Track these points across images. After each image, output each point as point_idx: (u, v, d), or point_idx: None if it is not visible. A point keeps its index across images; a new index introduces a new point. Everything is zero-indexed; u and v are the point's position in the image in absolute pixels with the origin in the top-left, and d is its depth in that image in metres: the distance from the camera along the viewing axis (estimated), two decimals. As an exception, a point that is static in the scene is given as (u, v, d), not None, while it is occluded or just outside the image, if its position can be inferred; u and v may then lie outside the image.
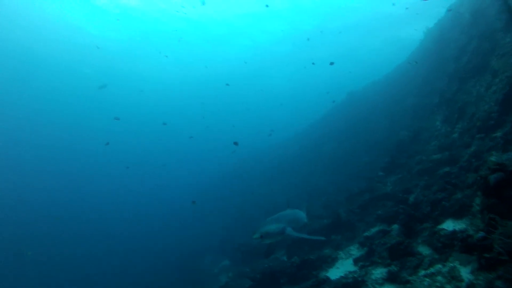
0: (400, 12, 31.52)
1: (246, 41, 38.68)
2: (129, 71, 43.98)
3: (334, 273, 8.41)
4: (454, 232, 6.67)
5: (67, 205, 51.00)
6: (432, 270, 6.24)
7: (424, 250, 7.07)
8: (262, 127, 54.66)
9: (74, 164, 61.26)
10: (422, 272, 6.38)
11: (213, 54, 41.03)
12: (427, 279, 6.03)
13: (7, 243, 34.81)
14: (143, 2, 29.19)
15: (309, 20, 34.60)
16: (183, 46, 37.88)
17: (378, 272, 7.26)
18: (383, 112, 20.07)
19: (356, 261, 8.32)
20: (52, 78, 42.53)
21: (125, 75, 44.93)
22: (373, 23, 36.07)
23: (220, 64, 43.26)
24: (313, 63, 28.51)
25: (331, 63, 20.81)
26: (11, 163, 56.11)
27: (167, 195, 49.08)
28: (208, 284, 16.14)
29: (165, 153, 66.08)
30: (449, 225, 7.26)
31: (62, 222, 42.90)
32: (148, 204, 48.64)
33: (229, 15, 32.47)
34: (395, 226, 8.38)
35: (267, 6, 26.75)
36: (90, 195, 54.84)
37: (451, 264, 6.04)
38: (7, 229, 39.87)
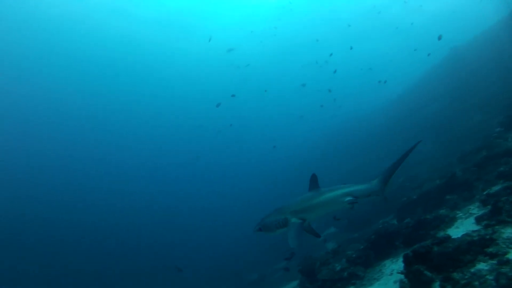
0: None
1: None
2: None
3: (454, 233, 7.74)
4: None
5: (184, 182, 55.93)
6: None
7: None
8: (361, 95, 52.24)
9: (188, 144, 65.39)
10: None
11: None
12: None
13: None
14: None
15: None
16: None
17: (510, 231, 6.49)
18: (494, 65, 17.67)
19: (478, 220, 7.52)
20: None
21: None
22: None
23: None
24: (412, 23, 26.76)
25: (439, 37, 19.07)
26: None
27: (263, 167, 50.55)
28: (317, 250, 16.33)
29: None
30: None
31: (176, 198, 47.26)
32: (248, 176, 50.81)
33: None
34: (525, 182, 7.41)
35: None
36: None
37: None
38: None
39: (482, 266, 5.41)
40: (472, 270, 5.40)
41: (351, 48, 32.79)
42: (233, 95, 32.67)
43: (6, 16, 32.38)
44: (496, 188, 8.41)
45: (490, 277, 4.89)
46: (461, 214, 8.51)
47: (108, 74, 48.15)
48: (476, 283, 4.92)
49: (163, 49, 44.45)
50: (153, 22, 38.03)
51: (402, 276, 6.80)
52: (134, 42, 41.51)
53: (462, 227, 7.93)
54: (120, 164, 61.60)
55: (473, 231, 7.08)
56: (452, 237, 7.29)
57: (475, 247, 6.03)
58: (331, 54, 31.66)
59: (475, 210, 8.28)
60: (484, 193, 8.30)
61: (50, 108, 49.91)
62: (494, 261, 5.37)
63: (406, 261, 6.46)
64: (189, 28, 39.66)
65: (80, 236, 41.15)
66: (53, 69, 43.34)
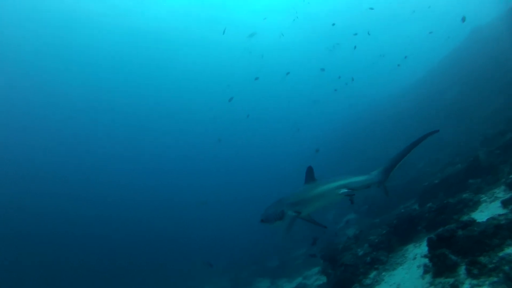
0: None
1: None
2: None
3: (479, 217, 7.48)
4: None
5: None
6: None
7: None
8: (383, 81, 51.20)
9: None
10: None
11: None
12: None
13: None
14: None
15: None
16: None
17: (540, 215, 6.20)
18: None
19: (505, 204, 7.24)
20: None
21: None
22: None
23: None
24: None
25: (463, 19, 18.34)
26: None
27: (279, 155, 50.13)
28: (338, 236, 16.23)
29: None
30: None
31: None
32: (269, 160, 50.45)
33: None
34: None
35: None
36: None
37: None
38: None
39: (511, 250, 5.20)
40: (501, 254, 5.20)
41: (369, 33, 31.82)
42: (256, 78, 32.35)
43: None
44: (523, 171, 8.11)
45: (521, 262, 4.71)
46: (485, 197, 8.22)
47: (132, 64, 48.70)
48: (506, 267, 4.73)
49: (185, 39, 44.72)
50: (178, 11, 38.21)
51: (426, 261, 6.66)
52: (158, 32, 41.91)
53: (487, 211, 7.67)
54: (140, 156, 62.36)
55: (499, 215, 6.80)
56: (477, 221, 7.07)
57: (503, 231, 5.80)
58: (355, 34, 30.64)
59: (501, 193, 7.97)
60: (510, 176, 7.99)
61: (69, 98, 51.13)
62: (525, 246, 5.18)
63: (430, 245, 6.31)
64: (211, 16, 39.56)
65: (102, 233, 41.56)
66: (78, 59, 44.34)
